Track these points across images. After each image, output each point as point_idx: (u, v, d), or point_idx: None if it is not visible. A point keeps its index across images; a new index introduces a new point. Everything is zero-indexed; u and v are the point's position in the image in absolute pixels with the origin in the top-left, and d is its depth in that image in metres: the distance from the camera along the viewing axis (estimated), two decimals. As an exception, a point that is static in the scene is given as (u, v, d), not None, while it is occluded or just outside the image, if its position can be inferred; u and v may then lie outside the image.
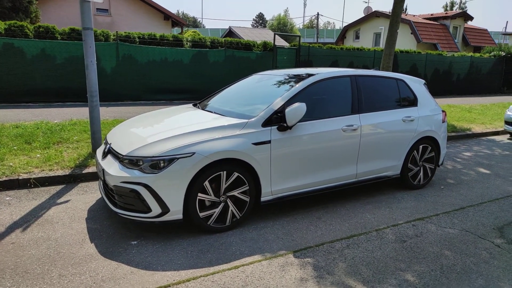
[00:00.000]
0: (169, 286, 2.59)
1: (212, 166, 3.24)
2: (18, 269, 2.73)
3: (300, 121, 3.67)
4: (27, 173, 4.59)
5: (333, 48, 16.14)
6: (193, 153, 3.16)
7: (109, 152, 3.57)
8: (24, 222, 3.51)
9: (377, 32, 28.25)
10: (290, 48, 14.63)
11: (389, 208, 4.15)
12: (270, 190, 3.61)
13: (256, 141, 3.44)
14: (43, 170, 4.72)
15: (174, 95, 12.31)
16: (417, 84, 4.91)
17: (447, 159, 6.41)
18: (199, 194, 3.23)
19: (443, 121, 4.99)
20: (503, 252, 3.25)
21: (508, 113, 8.86)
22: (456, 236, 3.51)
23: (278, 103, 3.68)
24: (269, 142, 3.50)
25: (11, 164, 4.79)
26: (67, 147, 5.76)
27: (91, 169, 4.86)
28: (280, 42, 25.84)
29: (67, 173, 4.69)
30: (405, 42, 24.74)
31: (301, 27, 60.89)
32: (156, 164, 3.13)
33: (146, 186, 3.08)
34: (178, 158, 3.12)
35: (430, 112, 4.84)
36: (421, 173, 4.82)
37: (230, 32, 32.77)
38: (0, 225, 3.43)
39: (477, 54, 21.29)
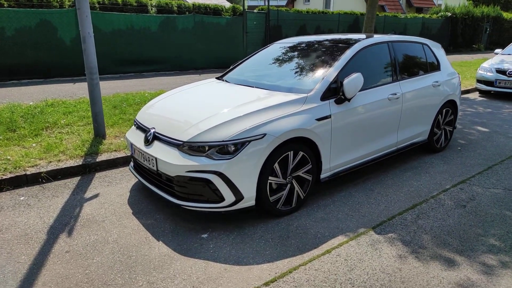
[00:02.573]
0: (276, 280, 2.41)
1: (281, 146, 3.00)
2: (95, 282, 2.36)
3: (355, 91, 3.49)
4: (33, 166, 3.98)
5: (300, 12, 15.85)
6: (264, 134, 2.88)
7: (155, 138, 3.15)
8: (63, 224, 3.05)
9: (327, -6, 28.16)
10: (259, 12, 14.08)
11: (428, 174, 4.22)
12: (329, 166, 3.47)
13: (319, 116, 3.23)
14: (51, 162, 4.12)
15: (143, 67, 11.39)
16: (438, 48, 4.92)
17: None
18: (270, 178, 3.00)
19: (459, 84, 5.10)
20: (552, 207, 3.46)
21: (480, 72, 9.37)
22: (504, 196, 3.67)
23: (331, 74, 3.46)
24: (329, 116, 3.31)
25: (8, 157, 4.12)
26: (60, 132, 5.09)
27: (105, 157, 4.35)
28: (225, 3, 24.79)
29: (80, 163, 4.15)
30: (355, 4, 24.99)
31: None
32: (226, 149, 2.81)
33: (218, 174, 2.77)
34: (250, 141, 2.83)
35: (450, 76, 4.90)
36: (443, 136, 4.95)
37: None
38: (36, 231, 2.95)
39: (427, 15, 22.20)
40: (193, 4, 12.30)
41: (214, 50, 12.58)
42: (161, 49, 11.58)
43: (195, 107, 3.41)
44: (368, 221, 3.16)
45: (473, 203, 3.50)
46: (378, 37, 4.11)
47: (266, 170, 2.94)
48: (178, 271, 2.49)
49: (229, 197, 2.85)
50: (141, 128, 3.41)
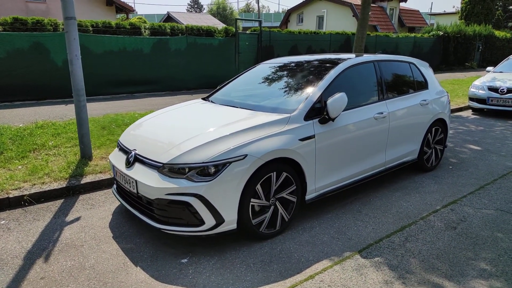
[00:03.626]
0: (254, 308, 2.30)
1: (263, 167, 2.95)
2: (65, 312, 2.26)
3: (339, 111, 3.48)
4: (16, 189, 3.91)
5: (292, 32, 16.09)
6: (246, 155, 2.83)
7: (136, 160, 3.10)
8: (41, 249, 2.96)
9: (320, 15, 28.69)
10: (251, 33, 14.27)
11: (419, 194, 4.15)
12: (314, 187, 3.41)
13: (302, 136, 3.20)
14: (35, 184, 4.05)
15: (135, 87, 11.44)
16: (425, 67, 4.95)
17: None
18: (252, 200, 2.93)
19: (448, 102, 5.10)
20: (543, 228, 3.38)
21: (472, 90, 9.42)
22: (496, 217, 3.59)
23: (315, 94, 3.45)
24: (313, 136, 3.27)
25: (-9, 180, 4.05)
26: (47, 154, 5.04)
27: (89, 179, 4.28)
28: (219, 25, 25.26)
29: (64, 186, 4.08)
30: (347, 24, 25.41)
31: (237, 10, 60.18)
32: (206, 170, 2.76)
33: (198, 197, 2.71)
34: (231, 162, 2.78)
35: (438, 95, 4.91)
36: (433, 155, 4.91)
37: (168, 18, 31.35)
38: (14, 256, 2.85)
39: (418, 34, 22.56)
40: (186, 26, 12.47)
41: (206, 71, 12.69)
42: (154, 70, 11.67)
43: (177, 128, 3.38)
44: (354, 244, 3.08)
45: (463, 225, 3.42)
46: (364, 57, 4.13)
47: (248, 192, 2.88)
48: (154, 299, 2.39)
49: (209, 220, 2.78)
50: (124, 149, 3.37)
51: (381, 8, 28.11)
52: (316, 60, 4.15)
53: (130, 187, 3.05)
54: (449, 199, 4.02)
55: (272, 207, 3.12)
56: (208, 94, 4.46)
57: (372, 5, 27.90)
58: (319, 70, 3.83)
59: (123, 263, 2.78)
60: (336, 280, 2.58)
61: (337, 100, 3.29)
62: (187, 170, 2.78)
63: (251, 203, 2.93)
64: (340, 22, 26.50)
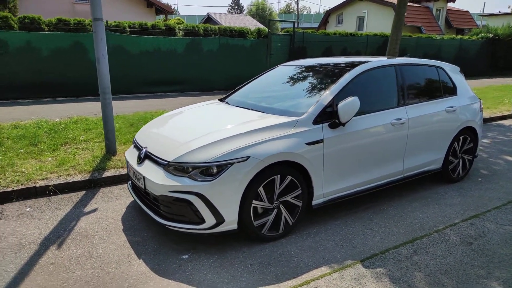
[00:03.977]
0: (244, 309, 2.32)
1: (266, 170, 2.95)
2: (67, 297, 2.40)
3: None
4: (43, 179, 4.19)
5: (327, 33, 15.86)
6: (248, 157, 2.85)
7: (147, 157, 3.22)
8: (57, 237, 3.16)
9: (360, 16, 27.96)
10: (284, 34, 14.26)
11: (438, 205, 3.96)
12: (322, 192, 3.35)
13: (309, 140, 3.16)
14: (60, 175, 4.32)
15: (168, 87, 11.81)
16: (455, 72, 4.70)
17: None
18: (254, 201, 2.94)
19: (480, 110, 4.81)
20: None
21: (517, 97, 8.78)
22: (519, 234, 3.34)
23: (327, 97, 3.39)
24: (322, 141, 3.23)
25: (23, 170, 4.38)
26: (76, 148, 5.34)
27: (111, 173, 4.49)
28: (252, 26, 25.34)
29: (86, 178, 4.31)
30: (388, 25, 24.48)
31: (277, 11, 60.11)
32: (208, 170, 2.81)
33: (199, 195, 2.77)
34: (233, 163, 2.81)
35: (469, 101, 4.64)
36: (460, 166, 4.65)
37: (208, 19, 31.92)
38: (30, 241, 3.07)
39: (466, 37, 21.36)
40: (219, 27, 12.69)
41: (237, 71, 12.82)
42: (186, 70, 11.98)
43: (186, 128, 3.47)
44: (358, 253, 3.00)
45: (481, 241, 3.22)
46: (384, 60, 4.00)
47: (249, 194, 2.90)
48: (149, 292, 2.47)
49: (209, 219, 2.83)
50: (137, 147, 3.51)
51: (426, 8, 26.90)
52: (335, 63, 4.08)
53: (139, 182, 3.17)
54: (471, 212, 3.79)
55: (275, 210, 3.11)
56: (225, 95, 4.53)
57: (416, 5, 26.81)
58: (335, 73, 3.76)
59: (128, 255, 2.90)
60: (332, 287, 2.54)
61: (349, 104, 3.22)
62: (190, 169, 2.84)
63: (253, 205, 2.95)
64: (381, 23, 25.69)
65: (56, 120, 6.99)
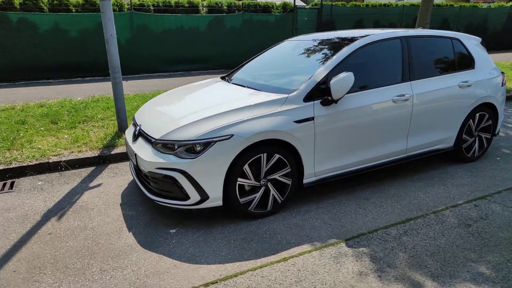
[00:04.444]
0: (217, 282, 2.39)
1: (251, 148, 2.94)
2: (58, 264, 2.59)
3: (347, 92, 3.28)
4: (57, 155, 4.45)
5: (358, 5, 15.09)
6: (232, 135, 2.85)
7: (140, 134, 3.31)
8: (59, 209, 3.38)
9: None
10: (311, 8, 13.77)
11: (444, 186, 3.77)
12: (313, 171, 3.30)
13: (298, 118, 3.09)
14: (73, 152, 4.56)
15: (191, 65, 11.90)
16: (473, 43, 4.34)
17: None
18: (239, 179, 2.96)
19: (503, 85, 4.44)
20: None
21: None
22: (526, 217, 3.13)
23: (320, 74, 3.27)
24: (312, 119, 3.15)
25: (40, 146, 4.66)
26: (93, 126, 5.59)
27: (119, 150, 4.67)
28: (299, 3, 24.48)
29: (96, 155, 4.52)
30: (435, -5, 22.88)
31: None
32: (193, 148, 2.85)
33: (183, 172, 2.82)
34: (215, 142, 2.83)
35: (489, 75, 4.29)
36: (476, 144, 4.37)
37: None
38: (35, 213, 3.30)
39: (518, 4, 19.47)
40: (242, 3, 12.46)
41: (261, 48, 12.53)
42: (209, 48, 11.97)
43: (181, 106, 3.50)
44: (345, 232, 2.95)
45: (481, 223, 3.05)
46: (388, 33, 3.77)
47: (234, 171, 2.91)
48: (132, 262, 2.60)
49: (194, 195, 2.89)
50: (134, 124, 3.61)
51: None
52: (339, 37, 3.90)
53: (133, 159, 3.29)
54: (478, 193, 3.59)
55: (263, 188, 3.11)
56: (228, 73, 4.50)
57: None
58: (334, 48, 3.61)
59: (119, 227, 3.06)
60: (308, 265, 2.53)
61: (341, 80, 3.09)
62: (176, 146, 2.90)
63: (238, 183, 2.97)
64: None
65: (79, 99, 7.32)
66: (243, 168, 2.95)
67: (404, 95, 3.60)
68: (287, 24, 13.10)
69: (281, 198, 3.21)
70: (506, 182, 3.83)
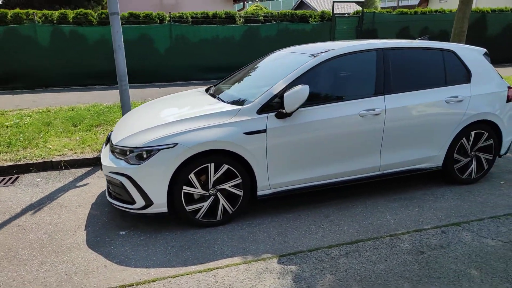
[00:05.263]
0: (133, 285, 2.49)
1: (197, 157, 3.01)
2: (10, 253, 2.88)
3: (306, 106, 3.22)
4: (60, 155, 4.90)
5: (404, 12, 14.37)
6: (176, 144, 2.95)
7: (108, 140, 3.55)
8: (39, 204, 3.73)
9: (470, -10, 24.29)
10: (351, 16, 13.41)
11: (420, 208, 3.50)
12: (268, 183, 3.27)
13: (249, 130, 3.10)
14: (75, 152, 4.99)
15: (225, 73, 12.14)
16: (472, 55, 3.97)
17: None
18: (184, 187, 3.04)
19: (509, 100, 4.00)
20: (556, 277, 2.48)
21: None
22: (496, 250, 2.79)
23: (279, 86, 3.25)
24: (264, 131, 3.13)
25: (50, 146, 5.17)
26: (106, 129, 6.04)
27: (118, 152, 4.99)
28: (346, 10, 23.84)
29: (94, 156, 4.89)
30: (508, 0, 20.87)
31: None
32: (141, 155, 3.00)
33: (129, 178, 2.98)
34: (160, 150, 2.95)
35: (490, 90, 3.90)
36: (473, 165, 3.97)
37: (301, 3, 31.37)
38: (17, 206, 3.69)
39: None
40: (278, 13, 12.57)
41: (294, 57, 12.59)
42: (243, 57, 12.17)
43: (150, 114, 3.67)
44: (284, 248, 2.89)
45: (437, 252, 2.79)
46: (363, 44, 3.61)
47: (179, 179, 3.00)
48: (70, 258, 2.80)
49: (139, 200, 3.03)
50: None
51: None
52: (312, 49, 3.82)
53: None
54: (454, 219, 3.27)
55: (212, 198, 3.16)
56: (215, 84, 4.62)
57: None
58: (302, 61, 3.55)
59: (78, 225, 3.30)
60: (227, 278, 2.53)
61: (295, 93, 3.05)
62: (128, 152, 3.07)
63: (184, 191, 3.05)
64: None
65: (106, 104, 7.94)
66: (189, 176, 3.03)
67: (374, 109, 3.43)
68: (324, 33, 12.93)
69: (231, 208, 3.23)
70: (497, 209, 3.44)
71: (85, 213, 3.52)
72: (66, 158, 4.80)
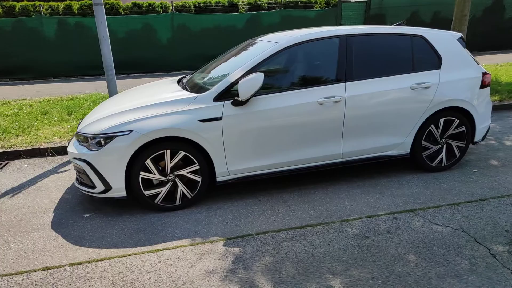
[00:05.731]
0: (81, 263, 2.65)
1: (153, 144, 3.12)
2: (-20, 233, 3.10)
3: (262, 94, 3.27)
4: (49, 142, 5.13)
5: (415, -4, 13.91)
6: (131, 131, 3.07)
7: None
8: (19, 188, 3.96)
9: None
10: (358, 1, 13.11)
11: (380, 194, 3.51)
12: (226, 170, 3.35)
13: (204, 117, 3.18)
14: (63, 140, 5.21)
15: (228, 62, 12.26)
16: (444, 40, 3.88)
17: (502, 135, 5.11)
18: (142, 173, 3.17)
19: (483, 86, 3.91)
20: (494, 264, 2.48)
21: None
22: (443, 237, 2.80)
23: (236, 74, 3.31)
24: (220, 118, 3.21)
25: (40, 134, 5.41)
26: (99, 118, 6.23)
27: (103, 140, 5.18)
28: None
29: (81, 144, 5.09)
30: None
31: None
32: (100, 141, 3.14)
33: (88, 163, 3.13)
34: (116, 136, 3.08)
35: (462, 76, 3.82)
36: (444, 152, 3.92)
37: None
38: (-2, 190, 3.93)
39: None
40: (282, 0, 12.44)
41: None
42: (244, 45, 12.21)
43: (117, 102, 3.80)
44: (234, 231, 2.98)
45: (382, 237, 2.82)
46: (324, 31, 3.59)
47: (136, 165, 3.13)
48: (32, 238, 2.99)
49: (99, 185, 3.18)
50: (85, 118, 4.04)
51: None
52: (276, 37, 3.83)
53: (71, 149, 3.71)
54: (410, 206, 3.28)
55: (170, 183, 3.28)
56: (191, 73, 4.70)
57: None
58: (264, 48, 3.58)
59: (48, 208, 3.49)
60: (171, 259, 2.65)
61: (249, 81, 3.10)
62: (89, 139, 3.22)
63: (141, 176, 3.18)
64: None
65: (104, 93, 8.17)
66: (145, 162, 3.15)
67: (334, 97, 3.43)
68: (330, 20, 12.73)
69: (191, 194, 3.34)
70: (459, 196, 3.41)
71: (57, 197, 3.72)
72: (53, 146, 5.03)
